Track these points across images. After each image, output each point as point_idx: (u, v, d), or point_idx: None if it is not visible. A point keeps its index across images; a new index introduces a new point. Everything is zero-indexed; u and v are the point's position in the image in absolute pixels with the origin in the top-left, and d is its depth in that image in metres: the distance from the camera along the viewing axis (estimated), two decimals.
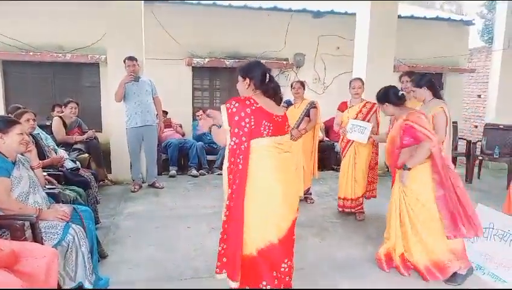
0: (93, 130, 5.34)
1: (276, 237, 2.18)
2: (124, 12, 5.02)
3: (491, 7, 14.48)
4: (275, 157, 2.21)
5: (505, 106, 6.91)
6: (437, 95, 3.28)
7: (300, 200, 4.41)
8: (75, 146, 4.73)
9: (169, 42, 6.62)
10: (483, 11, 16.59)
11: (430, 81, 3.27)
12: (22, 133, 2.41)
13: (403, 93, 2.92)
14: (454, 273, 2.75)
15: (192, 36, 6.82)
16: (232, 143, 2.14)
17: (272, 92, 2.29)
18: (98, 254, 2.79)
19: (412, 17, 7.58)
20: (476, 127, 8.18)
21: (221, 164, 6.21)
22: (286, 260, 2.24)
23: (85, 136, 4.99)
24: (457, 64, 8.05)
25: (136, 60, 4.70)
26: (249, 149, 2.14)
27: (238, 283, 2.15)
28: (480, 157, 6.14)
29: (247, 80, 2.28)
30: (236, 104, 2.15)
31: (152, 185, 5.04)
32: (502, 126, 6.23)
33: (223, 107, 2.19)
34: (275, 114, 2.23)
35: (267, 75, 2.28)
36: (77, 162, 4.01)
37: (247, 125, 2.13)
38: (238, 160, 2.13)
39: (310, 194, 4.70)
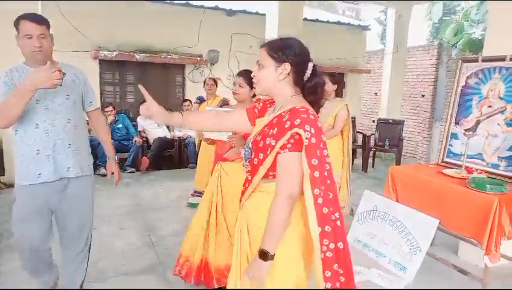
0: None
1: None
2: None
3: (387, 14, 16.22)
4: None
5: (394, 103, 7.90)
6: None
7: None
8: None
9: (74, 33, 6.15)
10: (381, 17, 18.50)
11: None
12: None
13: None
14: None
15: (99, 28, 6.43)
16: (318, 195, 1.28)
17: (317, 93, 1.43)
18: None
19: (317, 20, 8.15)
20: (374, 122, 9.15)
21: (133, 161, 6.11)
22: None
23: None
24: (357, 66, 8.90)
25: (49, 25, 2.03)
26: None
27: None
28: (374, 149, 6.96)
29: (286, 66, 1.39)
30: (313, 129, 1.27)
31: None
32: (391, 120, 7.13)
33: (300, 131, 1.27)
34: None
35: (312, 63, 1.43)
36: None
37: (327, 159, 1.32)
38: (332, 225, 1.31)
39: None
